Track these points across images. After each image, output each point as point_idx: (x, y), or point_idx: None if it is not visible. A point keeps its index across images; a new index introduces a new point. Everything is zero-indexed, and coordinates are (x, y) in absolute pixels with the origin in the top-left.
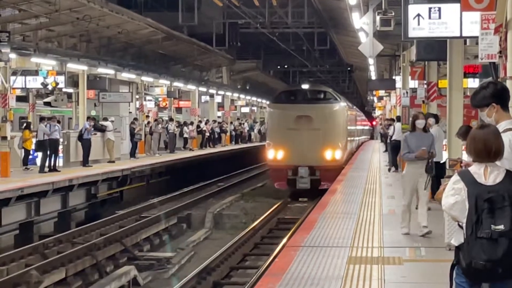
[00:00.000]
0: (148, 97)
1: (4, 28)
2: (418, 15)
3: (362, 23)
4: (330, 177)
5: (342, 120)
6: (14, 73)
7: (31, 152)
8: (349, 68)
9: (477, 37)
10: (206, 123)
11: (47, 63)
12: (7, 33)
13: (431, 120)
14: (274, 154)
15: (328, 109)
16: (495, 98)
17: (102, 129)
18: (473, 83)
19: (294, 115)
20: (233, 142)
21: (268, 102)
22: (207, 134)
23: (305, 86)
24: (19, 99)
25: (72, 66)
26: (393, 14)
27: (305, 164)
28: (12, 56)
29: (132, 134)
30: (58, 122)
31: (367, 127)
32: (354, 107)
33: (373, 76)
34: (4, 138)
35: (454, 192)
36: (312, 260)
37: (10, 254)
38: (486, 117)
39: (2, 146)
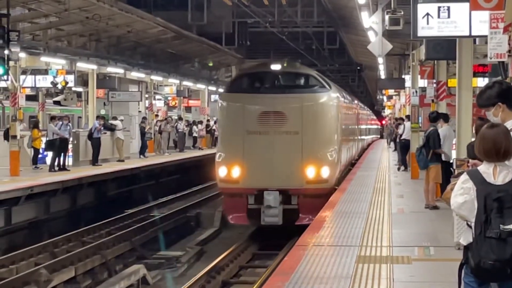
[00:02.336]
0: (157, 96)
1: (14, 27)
2: (427, 14)
3: (371, 22)
4: (313, 206)
5: (334, 118)
6: (24, 72)
7: (40, 151)
8: (358, 68)
9: (486, 36)
10: (215, 122)
11: (57, 62)
12: (16, 32)
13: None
14: (226, 171)
15: (311, 101)
16: (501, 98)
17: (112, 128)
18: (483, 82)
19: (257, 111)
20: None
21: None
22: (217, 133)
23: (276, 67)
24: (29, 98)
25: (82, 65)
26: (402, 13)
27: (274, 187)
28: (22, 55)
29: (142, 133)
30: (68, 121)
31: (375, 126)
32: (356, 101)
33: (383, 75)
34: (14, 137)
35: (463, 192)
36: (321, 259)
37: (20, 252)
38: (492, 117)
39: (12, 145)
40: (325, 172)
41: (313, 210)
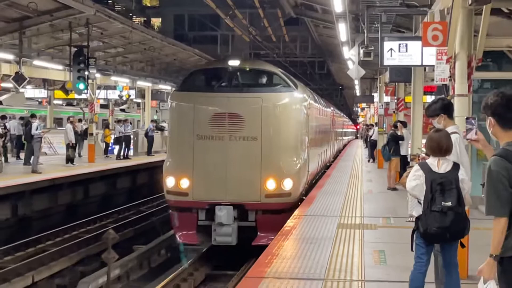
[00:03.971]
0: None
1: (92, 55)
2: (391, 49)
3: (350, 54)
4: (274, 223)
5: (300, 121)
6: (99, 87)
7: (110, 145)
8: (340, 87)
9: (433, 65)
10: None
11: (123, 81)
12: (94, 59)
13: (400, 125)
14: (174, 181)
15: (272, 102)
16: (443, 110)
17: (162, 129)
18: (430, 98)
19: (210, 112)
20: None
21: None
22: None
23: (234, 62)
24: (102, 106)
25: (141, 83)
26: (372, 48)
27: (228, 201)
28: (98, 75)
29: None
30: (130, 123)
31: (352, 130)
32: (332, 107)
33: (358, 93)
34: (91, 134)
35: (415, 178)
36: (313, 225)
37: (94, 218)
38: (437, 124)
39: (90, 140)
40: (288, 184)
41: (273, 227)
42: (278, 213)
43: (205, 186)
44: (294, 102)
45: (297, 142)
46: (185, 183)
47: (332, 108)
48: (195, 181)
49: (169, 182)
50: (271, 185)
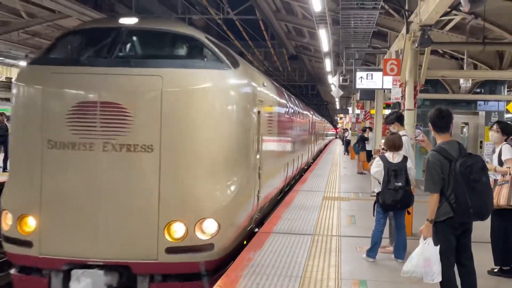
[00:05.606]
0: None
1: None
2: (361, 77)
3: (333, 80)
4: None
5: (239, 119)
6: None
7: None
8: (325, 103)
9: (390, 88)
10: None
11: None
12: None
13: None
14: (12, 221)
15: (184, 85)
16: (397, 120)
17: None
18: (388, 111)
19: (69, 101)
20: None
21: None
22: None
23: (127, 21)
24: None
25: None
26: (348, 76)
27: (100, 259)
28: None
29: None
30: None
31: (333, 132)
32: (311, 111)
33: (338, 107)
34: None
35: (377, 166)
36: (305, 197)
37: None
38: (392, 129)
39: None
40: (210, 228)
41: None
42: (189, 279)
43: (60, 231)
44: (228, 88)
45: (231, 155)
46: (28, 226)
47: (311, 112)
48: (44, 222)
49: (6, 221)
50: (177, 231)
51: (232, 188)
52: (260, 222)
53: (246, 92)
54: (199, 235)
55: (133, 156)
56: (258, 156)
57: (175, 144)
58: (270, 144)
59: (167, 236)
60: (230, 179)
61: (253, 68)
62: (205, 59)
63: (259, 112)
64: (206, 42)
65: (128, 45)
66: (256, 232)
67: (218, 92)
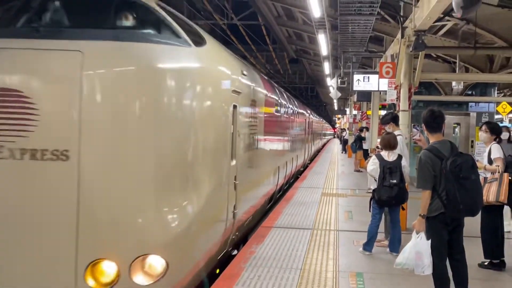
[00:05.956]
0: None
1: None
2: (358, 79)
3: (331, 83)
4: None
5: (205, 113)
6: None
7: None
8: (324, 104)
9: (386, 90)
10: None
11: None
12: None
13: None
14: None
15: (116, 64)
16: (392, 120)
17: None
18: (384, 112)
19: None
20: None
21: None
22: None
23: None
24: None
25: None
26: (346, 79)
27: None
28: None
29: None
30: None
31: (331, 132)
32: (309, 110)
33: (336, 108)
34: None
35: (373, 164)
36: (304, 194)
37: None
38: (388, 129)
39: None
40: (154, 267)
41: None
42: None
43: None
44: (186, 72)
45: (189, 163)
46: None
47: (309, 112)
48: None
49: None
50: (104, 273)
51: (190, 208)
52: (244, 239)
53: (214, 80)
54: (138, 278)
55: (39, 166)
56: (233, 163)
57: (102, 149)
58: (252, 147)
59: (89, 282)
60: (187, 196)
61: (230, 52)
62: (151, 31)
63: (235, 106)
64: (156, 8)
65: (46, 12)
66: (235, 255)
67: (168, 75)
